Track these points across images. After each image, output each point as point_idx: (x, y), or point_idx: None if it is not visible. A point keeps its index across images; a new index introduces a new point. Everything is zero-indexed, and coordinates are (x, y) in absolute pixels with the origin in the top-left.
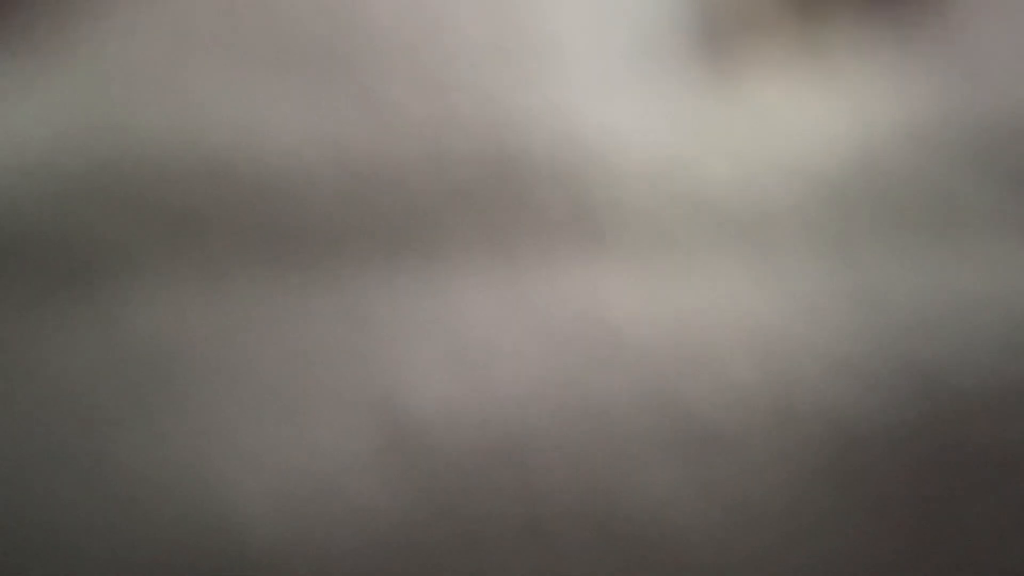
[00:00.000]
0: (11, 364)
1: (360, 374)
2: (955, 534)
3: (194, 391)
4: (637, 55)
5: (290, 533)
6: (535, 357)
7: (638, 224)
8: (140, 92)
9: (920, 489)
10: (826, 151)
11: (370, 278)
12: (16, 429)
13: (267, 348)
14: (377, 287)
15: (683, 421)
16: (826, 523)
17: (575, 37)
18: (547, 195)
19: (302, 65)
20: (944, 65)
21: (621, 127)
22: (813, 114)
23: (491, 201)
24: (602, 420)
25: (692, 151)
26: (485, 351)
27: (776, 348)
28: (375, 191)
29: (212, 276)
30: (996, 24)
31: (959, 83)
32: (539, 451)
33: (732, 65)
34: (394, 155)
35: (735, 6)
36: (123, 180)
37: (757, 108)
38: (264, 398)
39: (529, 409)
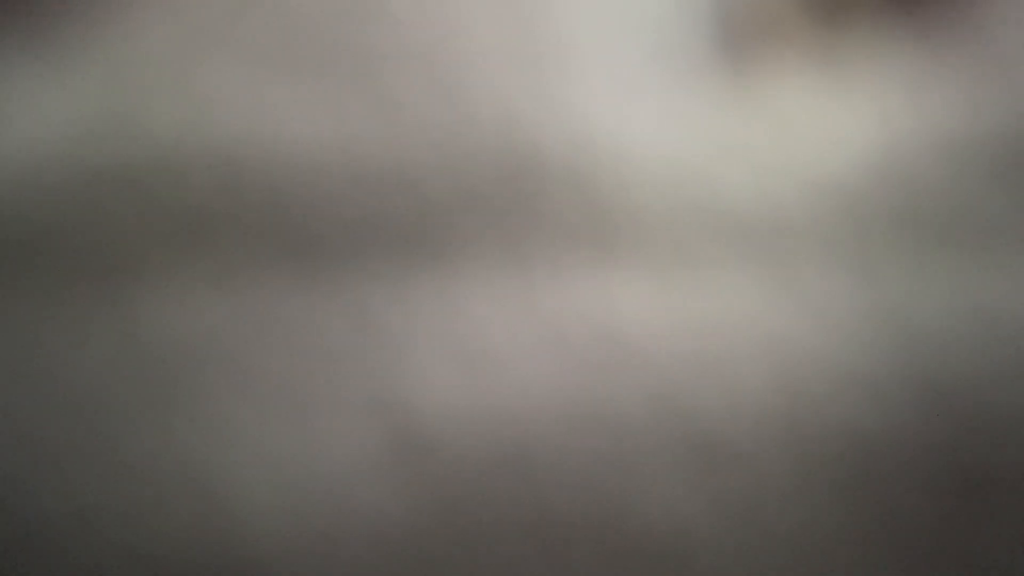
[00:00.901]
0: (22, 358)
1: (369, 377)
2: (969, 552)
3: (203, 390)
4: (654, 61)
5: (296, 534)
6: (545, 364)
7: (652, 232)
8: (156, 91)
9: (934, 506)
10: (846, 161)
11: (380, 281)
12: (26, 423)
13: (276, 349)
14: (387, 290)
15: (693, 432)
16: (837, 538)
17: (592, 43)
18: (560, 201)
19: (317, 66)
20: (968, 74)
21: (637, 133)
22: (833, 123)
23: (504, 206)
24: (611, 429)
25: (708, 159)
26: (494, 356)
27: (790, 360)
28: (387, 194)
29: (223, 276)
30: (1021, 31)
31: (983, 92)
32: (547, 458)
33: (751, 72)
34: (407, 158)
35: (755, 12)
36: (137, 178)
37: (775, 116)
38: (272, 399)
39: (538, 416)
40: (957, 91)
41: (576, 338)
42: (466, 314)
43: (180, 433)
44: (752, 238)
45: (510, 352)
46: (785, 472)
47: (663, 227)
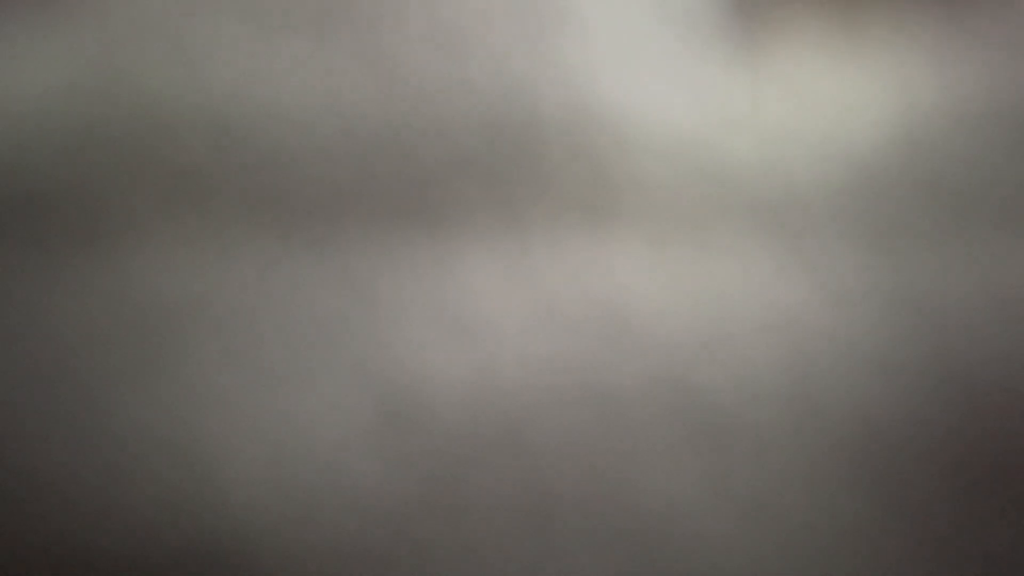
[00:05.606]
0: (11, 318)
1: (359, 345)
2: (981, 535)
3: (190, 354)
4: (661, 23)
5: (282, 503)
6: (541, 336)
7: (654, 202)
8: (149, 49)
9: (946, 489)
10: (862, 132)
11: (373, 246)
12: (14, 383)
13: (266, 313)
14: (380, 257)
15: (695, 410)
16: (845, 521)
17: (595, 4)
18: (560, 167)
19: (313, 25)
20: (991, 43)
21: (641, 98)
22: (850, 92)
23: (501, 172)
24: (608, 405)
25: (716, 126)
26: (489, 327)
27: (798, 338)
28: (382, 157)
29: (213, 237)
30: None
31: (1006, 62)
32: (540, 434)
33: (764, 36)
34: (403, 120)
35: None
36: (129, 136)
37: (789, 83)
38: (261, 364)
39: (532, 390)
40: (979, 62)
41: (573, 309)
42: (460, 282)
43: (165, 397)
44: (761, 210)
45: (505, 322)
46: (791, 453)
47: (666, 197)
